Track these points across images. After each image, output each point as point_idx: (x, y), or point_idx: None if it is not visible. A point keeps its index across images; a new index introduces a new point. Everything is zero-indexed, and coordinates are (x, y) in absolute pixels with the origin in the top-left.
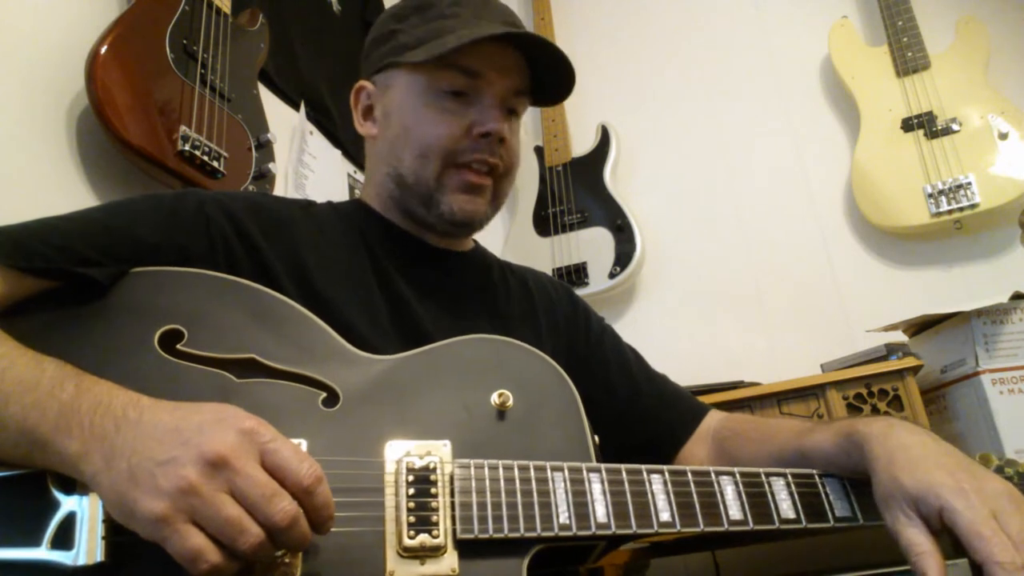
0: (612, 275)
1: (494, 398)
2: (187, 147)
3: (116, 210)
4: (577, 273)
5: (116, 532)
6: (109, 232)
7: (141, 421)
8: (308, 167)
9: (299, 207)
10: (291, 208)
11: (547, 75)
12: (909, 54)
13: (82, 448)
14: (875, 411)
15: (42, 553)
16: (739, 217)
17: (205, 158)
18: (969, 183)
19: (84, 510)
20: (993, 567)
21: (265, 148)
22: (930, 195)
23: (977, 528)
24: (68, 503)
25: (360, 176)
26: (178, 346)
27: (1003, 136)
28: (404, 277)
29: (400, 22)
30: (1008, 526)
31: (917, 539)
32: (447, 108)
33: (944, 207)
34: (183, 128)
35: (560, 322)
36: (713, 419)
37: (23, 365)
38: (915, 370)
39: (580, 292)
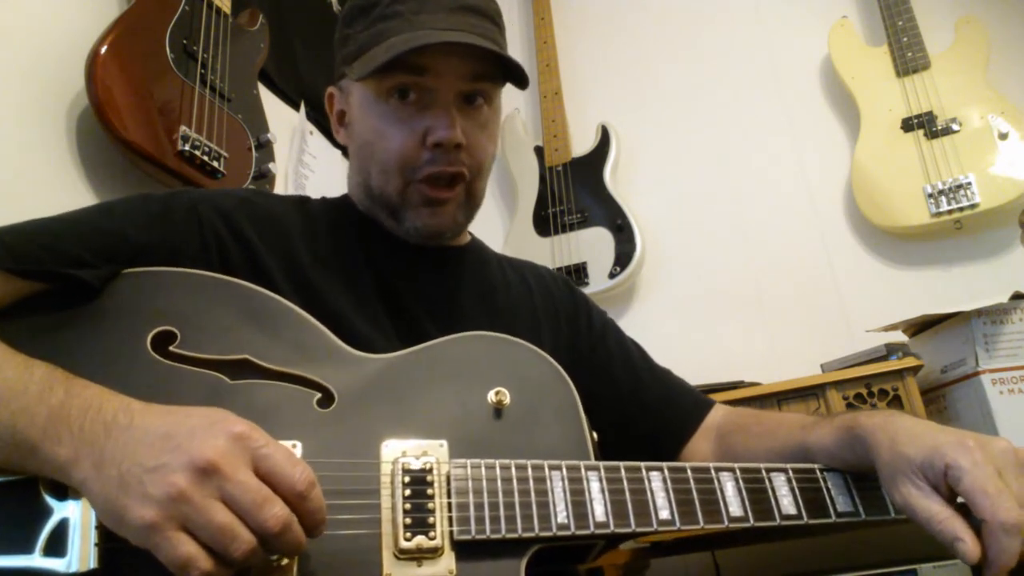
0: (612, 275)
1: (491, 396)
2: (187, 147)
3: (107, 211)
4: (577, 273)
5: (109, 539)
6: (100, 233)
7: (131, 426)
8: (308, 167)
9: (292, 204)
10: (285, 205)
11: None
12: (909, 54)
13: (72, 454)
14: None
15: (35, 560)
16: (739, 217)
17: (205, 158)
18: (969, 183)
19: (77, 516)
20: (996, 525)
21: (265, 148)
22: (930, 195)
23: (982, 485)
24: (61, 509)
25: None
26: (171, 347)
27: (1003, 136)
28: (400, 274)
29: (348, 26)
30: (1013, 484)
31: (934, 508)
32: (400, 117)
33: (944, 207)
34: (183, 128)
35: (560, 316)
36: (717, 413)
37: (11, 369)
38: (915, 370)
39: None
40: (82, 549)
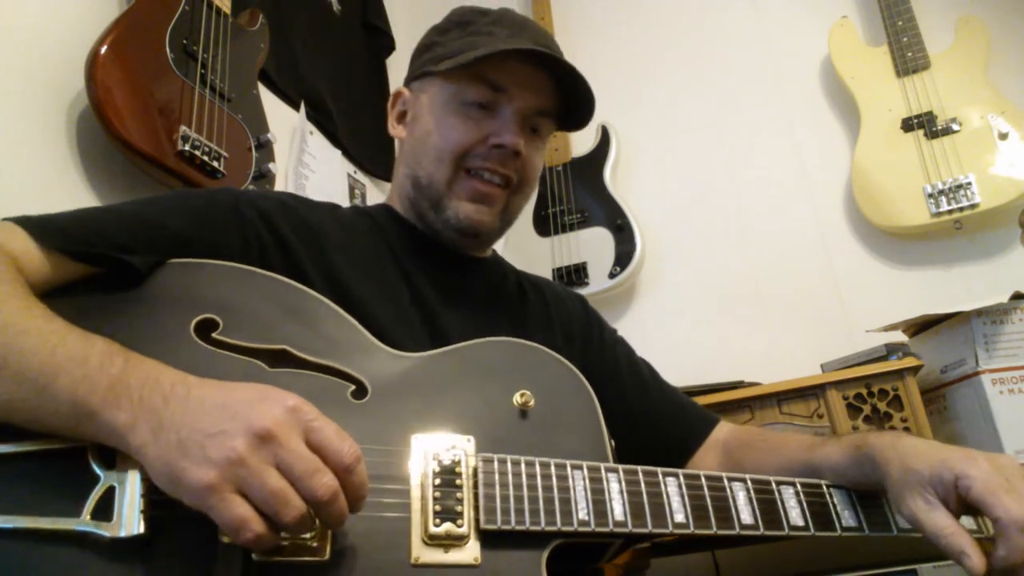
0: (612, 275)
1: (516, 398)
2: (187, 147)
3: (152, 204)
4: (577, 273)
5: (155, 506)
6: (146, 224)
7: (189, 396)
8: (308, 167)
9: (326, 209)
10: (319, 210)
11: (572, 101)
12: (909, 54)
13: (131, 420)
14: (875, 411)
15: (83, 524)
16: (739, 217)
17: (205, 158)
18: (969, 183)
19: (125, 485)
20: (1011, 523)
21: (265, 148)
22: (930, 195)
23: (993, 489)
24: (108, 478)
25: (360, 176)
26: (213, 335)
27: (1003, 136)
28: (427, 280)
29: (441, 35)
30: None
31: (942, 522)
32: (470, 116)
33: (944, 207)
34: (183, 128)
35: (575, 331)
36: (723, 430)
37: (73, 341)
38: (915, 370)
39: (580, 292)
40: (129, 516)
